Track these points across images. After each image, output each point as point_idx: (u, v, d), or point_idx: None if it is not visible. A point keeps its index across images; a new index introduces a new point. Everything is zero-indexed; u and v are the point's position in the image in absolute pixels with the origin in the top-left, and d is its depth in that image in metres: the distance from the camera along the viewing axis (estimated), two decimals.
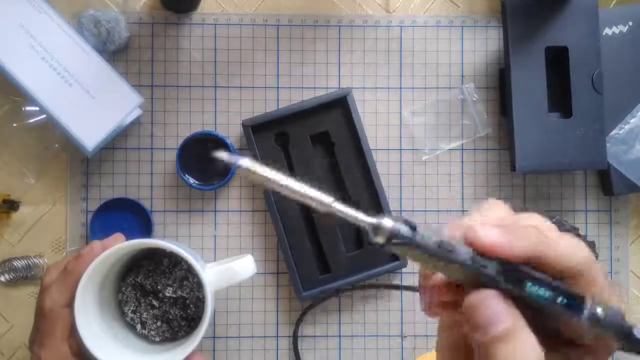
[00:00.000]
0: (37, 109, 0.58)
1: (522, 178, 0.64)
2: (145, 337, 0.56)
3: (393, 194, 0.63)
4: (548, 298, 0.24)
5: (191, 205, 0.62)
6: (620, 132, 0.62)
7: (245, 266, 0.52)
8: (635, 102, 0.62)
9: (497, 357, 0.23)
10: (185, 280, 0.56)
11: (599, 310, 0.24)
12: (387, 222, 0.24)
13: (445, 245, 0.24)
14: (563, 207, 0.64)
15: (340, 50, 0.64)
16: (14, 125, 0.61)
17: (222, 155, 0.25)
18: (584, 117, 0.59)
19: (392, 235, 0.24)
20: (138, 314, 0.56)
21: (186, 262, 0.51)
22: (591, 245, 0.61)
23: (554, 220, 0.61)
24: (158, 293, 0.55)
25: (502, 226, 0.24)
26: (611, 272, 0.64)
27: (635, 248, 0.65)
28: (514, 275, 0.24)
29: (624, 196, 0.64)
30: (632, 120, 0.61)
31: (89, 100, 0.57)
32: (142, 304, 0.56)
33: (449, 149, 0.64)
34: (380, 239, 0.24)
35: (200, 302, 0.56)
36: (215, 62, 0.63)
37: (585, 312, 0.24)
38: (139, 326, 0.56)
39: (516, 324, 0.23)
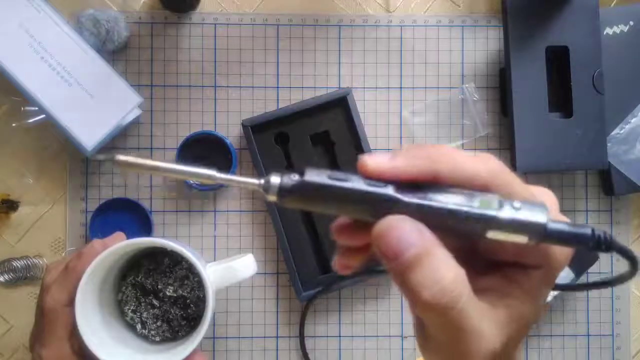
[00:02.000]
0: (36, 108, 0.58)
1: (522, 178, 0.64)
2: (145, 337, 0.55)
3: None
4: (460, 203, 0.23)
5: (191, 205, 0.62)
6: (621, 131, 0.61)
7: (246, 265, 0.52)
8: (636, 102, 0.61)
9: (412, 283, 0.22)
10: (186, 280, 0.55)
11: (515, 204, 0.23)
12: (274, 178, 0.24)
13: (337, 175, 0.24)
14: (564, 207, 0.64)
15: (340, 50, 0.63)
16: (13, 125, 0.61)
17: (97, 156, 0.26)
18: (585, 117, 0.59)
19: (283, 189, 0.23)
20: (138, 314, 0.55)
21: (187, 261, 0.51)
22: None
23: None
24: (158, 292, 0.55)
25: (393, 151, 0.24)
26: (612, 273, 0.64)
27: (637, 248, 0.65)
28: (414, 190, 0.23)
29: (624, 196, 0.64)
30: (633, 120, 0.61)
31: (88, 100, 0.56)
32: (142, 304, 0.55)
33: None
34: (272, 197, 0.24)
35: (200, 301, 0.55)
36: (215, 61, 0.63)
37: (503, 209, 0.23)
38: (138, 326, 0.55)
39: (427, 245, 0.22)
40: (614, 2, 0.66)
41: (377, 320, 0.63)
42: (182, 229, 0.62)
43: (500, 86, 0.64)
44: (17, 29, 0.56)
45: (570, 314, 0.64)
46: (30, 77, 0.56)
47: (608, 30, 0.61)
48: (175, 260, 0.56)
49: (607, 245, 0.24)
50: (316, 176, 0.24)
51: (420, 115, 0.64)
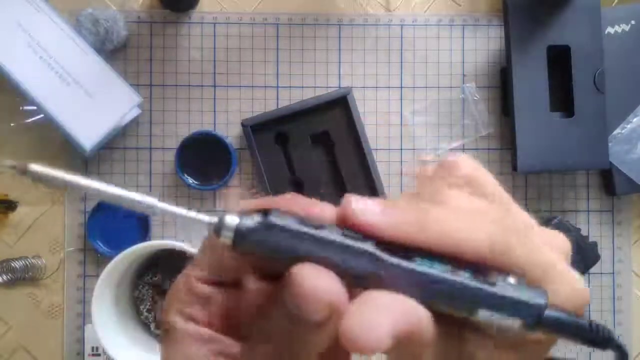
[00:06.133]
0: (35, 108, 0.57)
1: (523, 178, 0.64)
2: (158, 337, 0.56)
3: (394, 194, 0.63)
4: (445, 270, 0.20)
5: (190, 205, 0.62)
6: (623, 131, 0.61)
7: None
8: (637, 101, 0.61)
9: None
10: None
11: (510, 280, 0.20)
12: (231, 218, 0.19)
13: (311, 221, 0.19)
14: (565, 207, 0.64)
15: (341, 49, 0.63)
16: (12, 124, 0.61)
17: (6, 163, 0.20)
18: (586, 117, 0.59)
19: (241, 232, 0.19)
20: (152, 313, 0.55)
21: None
22: (593, 246, 0.61)
23: (555, 220, 0.60)
24: None
25: (383, 202, 0.20)
26: (613, 273, 0.64)
27: (638, 248, 0.64)
28: (397, 251, 0.20)
29: (626, 196, 0.64)
30: (634, 120, 0.61)
31: (87, 100, 0.56)
32: (158, 303, 0.56)
33: (450, 149, 0.63)
34: (226, 240, 0.20)
35: None
36: (214, 61, 0.62)
37: (498, 285, 0.19)
38: (152, 325, 0.55)
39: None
40: (615, 1, 0.65)
41: None
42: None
43: (501, 86, 0.63)
44: (16, 29, 0.56)
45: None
46: (29, 77, 0.56)
47: (609, 30, 0.61)
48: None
49: (605, 340, 0.21)
50: (284, 219, 0.19)
51: (420, 114, 0.63)
